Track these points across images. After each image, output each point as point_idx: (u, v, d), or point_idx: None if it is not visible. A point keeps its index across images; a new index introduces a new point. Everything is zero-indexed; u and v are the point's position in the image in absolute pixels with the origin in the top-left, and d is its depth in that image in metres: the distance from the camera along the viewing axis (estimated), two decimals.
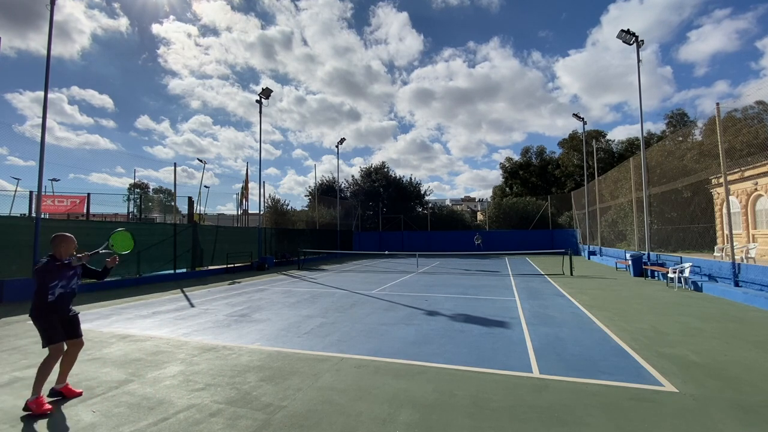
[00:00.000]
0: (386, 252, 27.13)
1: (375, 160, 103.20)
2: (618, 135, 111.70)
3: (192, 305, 9.49)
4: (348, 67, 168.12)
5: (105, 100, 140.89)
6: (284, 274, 17.08)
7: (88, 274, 4.26)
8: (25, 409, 3.63)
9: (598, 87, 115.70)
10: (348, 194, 42.48)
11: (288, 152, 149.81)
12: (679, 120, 38.07)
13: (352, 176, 48.04)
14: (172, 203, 22.22)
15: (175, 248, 15.91)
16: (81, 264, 4.02)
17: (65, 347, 3.97)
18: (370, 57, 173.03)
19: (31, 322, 3.86)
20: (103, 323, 7.58)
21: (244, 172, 25.78)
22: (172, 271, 15.66)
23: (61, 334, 3.89)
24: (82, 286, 12.02)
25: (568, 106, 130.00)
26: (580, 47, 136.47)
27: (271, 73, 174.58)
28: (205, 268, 17.72)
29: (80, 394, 4.06)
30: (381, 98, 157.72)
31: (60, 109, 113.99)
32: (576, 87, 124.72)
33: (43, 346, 3.79)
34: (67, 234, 4.06)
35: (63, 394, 3.99)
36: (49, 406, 3.70)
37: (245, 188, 24.42)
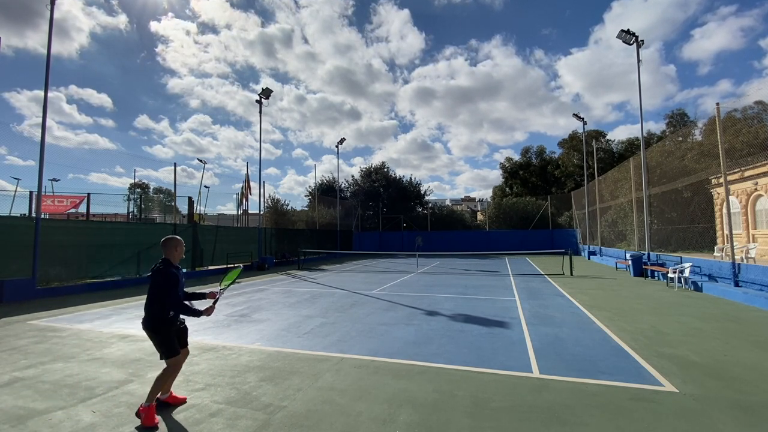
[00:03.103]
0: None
1: (375, 160, 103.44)
2: (620, 134, 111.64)
3: (191, 305, 9.46)
4: (349, 65, 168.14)
5: (104, 99, 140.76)
6: (284, 274, 17.08)
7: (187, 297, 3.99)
8: (137, 414, 3.42)
9: (601, 86, 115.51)
10: (348, 194, 42.47)
11: (288, 152, 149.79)
12: (679, 120, 38.07)
13: (352, 176, 48.11)
14: (172, 203, 22.23)
15: None
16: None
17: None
18: (371, 55, 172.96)
19: (149, 333, 3.58)
20: (103, 323, 7.57)
21: (245, 172, 25.81)
22: None
23: (177, 346, 3.67)
24: (82, 286, 12.10)
25: (570, 106, 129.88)
26: (583, 45, 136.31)
27: (271, 72, 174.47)
28: (205, 268, 17.72)
29: (185, 400, 3.83)
30: (382, 97, 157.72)
31: (58, 109, 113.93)
32: (578, 86, 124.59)
33: (162, 358, 3.57)
34: (179, 237, 3.83)
35: (168, 404, 3.74)
36: (157, 419, 3.42)
37: (246, 188, 24.44)
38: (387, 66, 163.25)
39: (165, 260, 3.68)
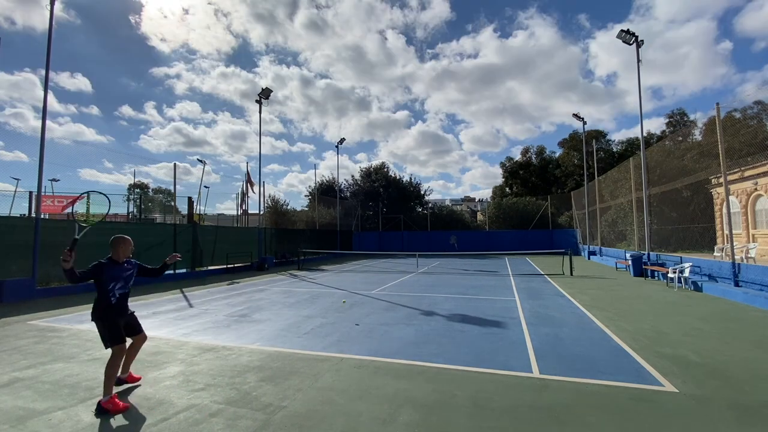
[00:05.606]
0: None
1: (382, 155, 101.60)
2: (653, 125, 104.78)
3: (191, 305, 9.48)
4: (363, 43, 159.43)
5: (82, 82, 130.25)
6: (284, 274, 17.07)
7: (145, 272, 4.51)
8: (98, 410, 3.61)
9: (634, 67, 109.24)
10: (348, 194, 42.51)
11: (291, 146, 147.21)
12: (679, 120, 38.13)
13: (352, 176, 48.16)
14: (172, 203, 22.24)
15: (174, 248, 15.88)
16: (138, 264, 4.39)
17: (126, 346, 4.11)
18: (388, 25, 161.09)
19: (94, 322, 4.06)
20: None
21: (245, 169, 25.77)
22: (171, 272, 15.64)
23: (122, 334, 4.06)
24: (82, 286, 12.08)
25: (603, 90, 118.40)
26: (622, 21, 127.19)
27: (276, 56, 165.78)
28: (205, 268, 17.70)
29: (139, 378, 4.41)
30: (395, 81, 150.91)
31: (33, 95, 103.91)
32: (614, 63, 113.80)
33: (106, 347, 3.93)
34: (125, 236, 4.28)
35: (126, 381, 4.29)
36: (125, 404, 3.74)
37: (247, 183, 24.40)
38: (406, 41, 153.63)
39: (109, 258, 4.21)
